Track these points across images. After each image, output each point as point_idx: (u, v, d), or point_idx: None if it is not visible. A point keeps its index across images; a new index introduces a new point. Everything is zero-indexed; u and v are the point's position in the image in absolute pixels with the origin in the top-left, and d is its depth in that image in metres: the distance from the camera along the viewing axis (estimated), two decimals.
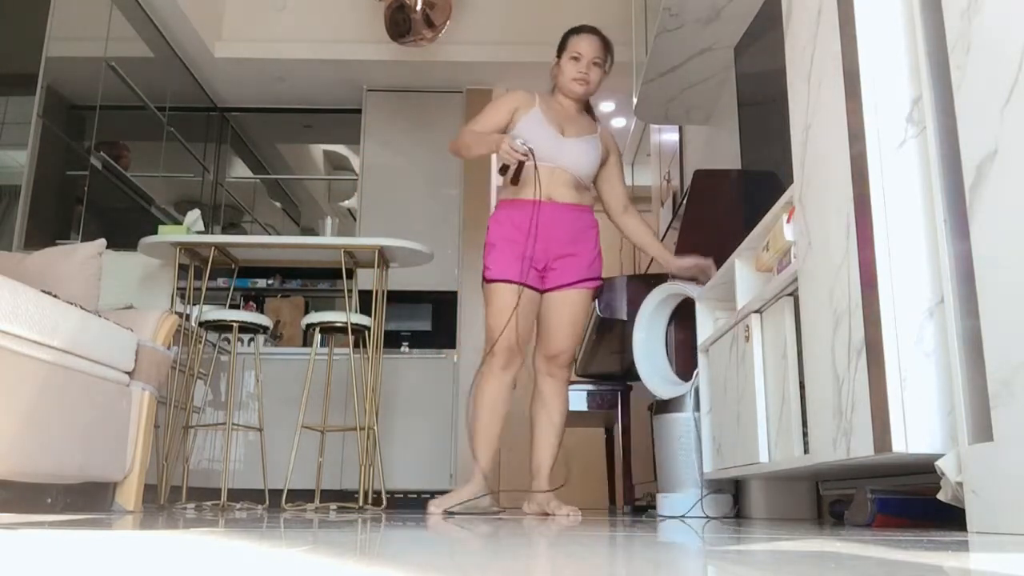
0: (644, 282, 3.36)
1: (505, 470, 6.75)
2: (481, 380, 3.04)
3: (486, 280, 3.06)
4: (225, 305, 4.46)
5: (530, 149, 2.89)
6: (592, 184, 3.18)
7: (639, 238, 3.28)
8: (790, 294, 2.14)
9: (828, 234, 1.83)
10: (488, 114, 3.15)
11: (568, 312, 3.06)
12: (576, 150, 3.07)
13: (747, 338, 2.40)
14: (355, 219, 5.97)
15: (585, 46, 3.18)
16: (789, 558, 0.92)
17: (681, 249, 3.23)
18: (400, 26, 5.07)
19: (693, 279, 3.03)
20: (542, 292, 3.08)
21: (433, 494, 4.58)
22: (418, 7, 5.00)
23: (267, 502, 3.98)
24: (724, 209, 3.25)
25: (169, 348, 2.94)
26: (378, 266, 4.05)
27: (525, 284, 3.00)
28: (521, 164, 2.92)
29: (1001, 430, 1.34)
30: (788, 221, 2.08)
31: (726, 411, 2.62)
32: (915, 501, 1.84)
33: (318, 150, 6.91)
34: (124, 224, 4.72)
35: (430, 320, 5.56)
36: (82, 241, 3.58)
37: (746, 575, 0.74)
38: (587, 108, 3.25)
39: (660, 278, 3.29)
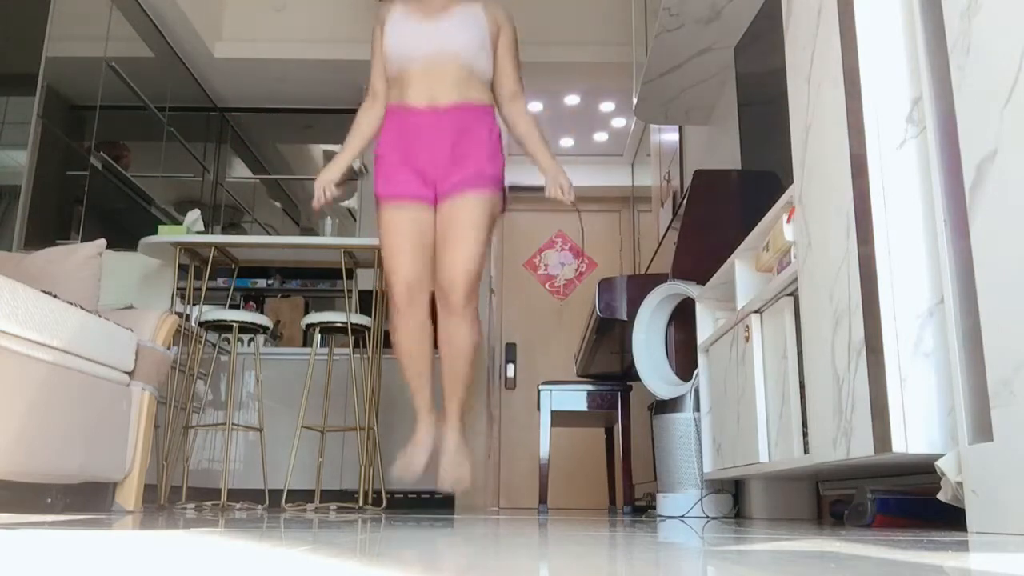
0: (644, 282, 3.35)
1: (504, 472, 6.76)
2: (392, 322, 2.77)
3: (376, 197, 2.81)
4: (225, 305, 4.46)
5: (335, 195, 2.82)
6: (487, 71, 2.83)
7: (524, 134, 2.90)
8: (790, 294, 2.14)
9: (828, 234, 1.83)
10: (373, 59, 2.91)
11: (453, 227, 2.70)
12: (449, 27, 2.75)
13: (747, 338, 2.40)
14: (355, 219, 5.97)
15: None
16: (789, 558, 0.92)
17: (681, 249, 3.23)
18: None
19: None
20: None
21: (433, 494, 4.59)
22: None
23: (267, 502, 3.98)
24: (724, 209, 3.25)
25: (169, 348, 2.94)
26: (378, 266, 4.04)
27: (418, 199, 2.74)
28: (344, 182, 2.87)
29: (1001, 430, 1.34)
30: (788, 221, 2.08)
31: (726, 411, 2.62)
32: (915, 501, 1.84)
33: (318, 150, 6.91)
34: (124, 224, 4.72)
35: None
36: (82, 241, 3.58)
37: (746, 575, 0.74)
38: None
39: (660, 278, 3.29)
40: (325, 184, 2.86)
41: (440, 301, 2.74)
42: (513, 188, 7.14)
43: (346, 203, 6.89)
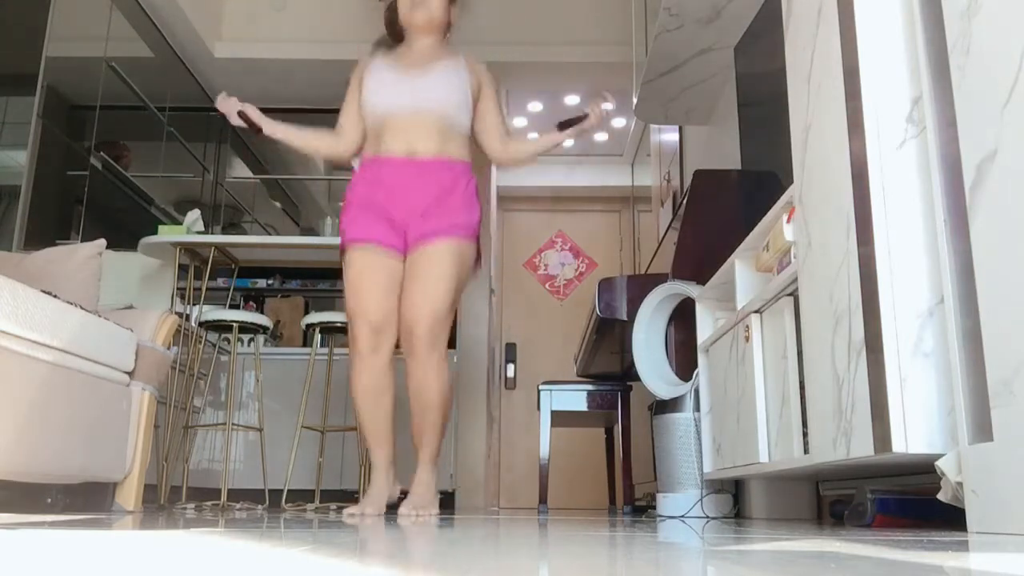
0: (644, 282, 3.35)
1: (504, 472, 6.75)
2: (351, 371, 2.66)
3: (341, 244, 2.74)
4: (225, 305, 4.46)
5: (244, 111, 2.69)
6: (466, 126, 2.80)
7: (527, 148, 2.89)
8: (790, 294, 2.14)
9: (828, 234, 1.83)
10: (346, 101, 2.88)
11: (422, 269, 2.62)
12: (433, 80, 2.72)
13: (747, 338, 2.40)
14: None
15: None
16: (789, 558, 0.92)
17: (681, 249, 3.23)
18: (400, 26, 5.06)
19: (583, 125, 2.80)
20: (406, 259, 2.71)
21: None
22: None
23: (267, 502, 3.98)
24: (724, 209, 3.25)
25: (169, 348, 2.94)
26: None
27: (387, 246, 2.67)
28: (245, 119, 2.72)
29: (1001, 430, 1.34)
30: (788, 221, 2.08)
31: (726, 411, 2.62)
32: (915, 501, 1.84)
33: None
34: (124, 224, 4.72)
35: None
36: (82, 241, 3.58)
37: (746, 575, 0.74)
38: (446, 44, 2.92)
39: (660, 278, 3.29)
40: (256, 111, 2.74)
41: (404, 345, 2.61)
42: (513, 188, 7.15)
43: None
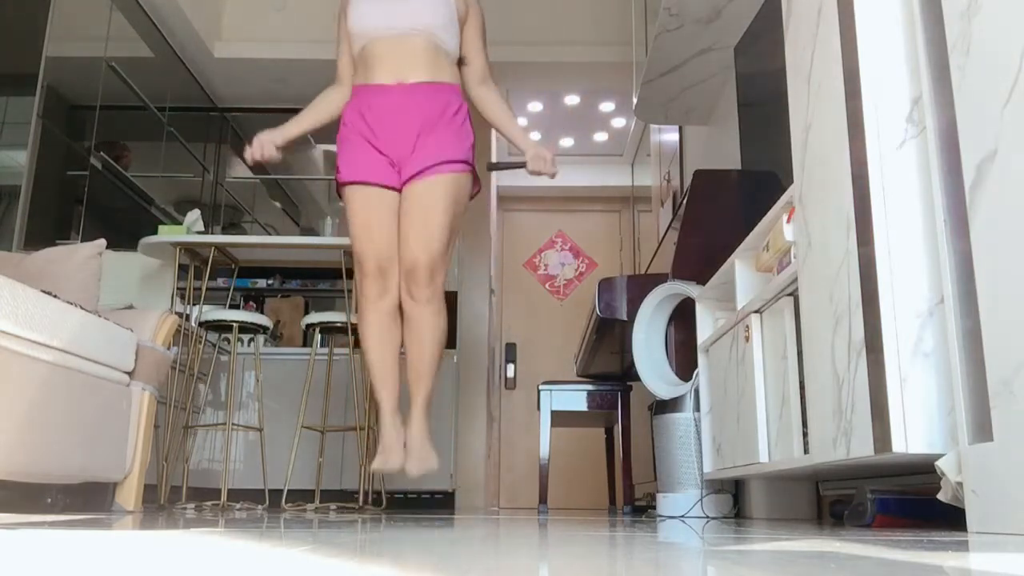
0: (644, 282, 3.35)
1: (504, 472, 6.75)
2: (360, 313, 2.68)
3: (338, 184, 2.74)
4: (225, 305, 4.46)
5: (276, 150, 2.75)
6: (454, 48, 2.79)
7: (496, 116, 2.86)
8: (790, 294, 2.14)
9: (828, 234, 1.83)
10: (339, 47, 2.87)
11: (416, 207, 2.62)
12: (416, 4, 2.69)
13: (747, 338, 2.40)
14: None
15: None
16: (789, 558, 0.92)
17: (681, 249, 3.23)
18: None
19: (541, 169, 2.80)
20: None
21: (433, 495, 4.59)
22: None
23: (267, 502, 3.98)
24: (724, 209, 3.25)
25: (169, 348, 2.94)
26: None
27: (383, 185, 2.67)
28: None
29: (1001, 430, 1.34)
30: (788, 221, 2.08)
31: (726, 411, 2.62)
32: (915, 501, 1.84)
33: (318, 150, 6.91)
34: (124, 224, 4.72)
35: None
36: (82, 241, 3.58)
37: (746, 575, 0.74)
38: None
39: (660, 278, 3.29)
40: (265, 141, 2.78)
41: (403, 284, 2.64)
42: (513, 188, 7.15)
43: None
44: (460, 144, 2.69)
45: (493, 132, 6.21)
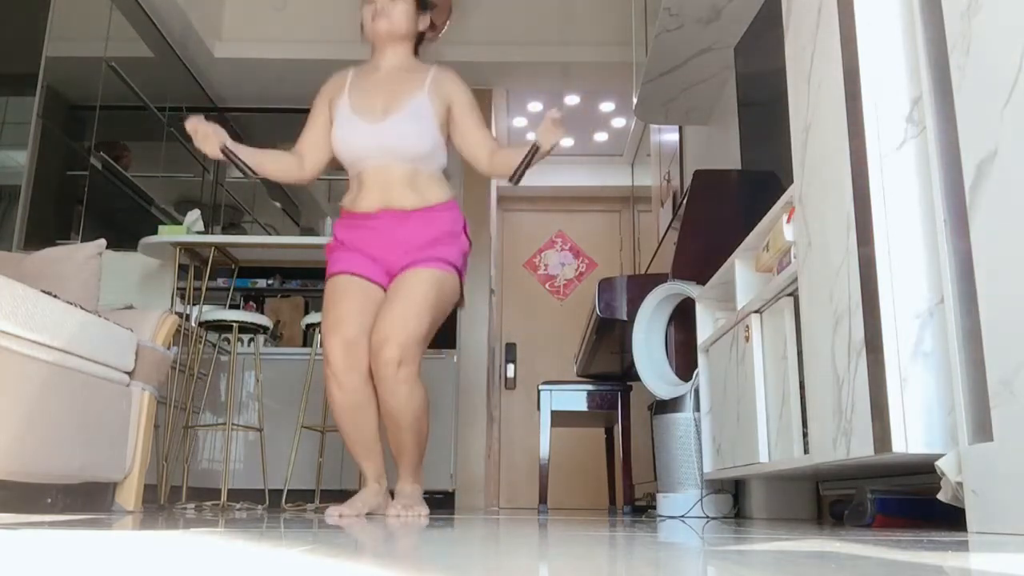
0: (644, 282, 3.35)
1: (504, 472, 6.75)
2: (327, 395, 2.57)
3: (326, 277, 2.68)
4: (225, 305, 4.46)
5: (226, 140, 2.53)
6: (441, 164, 2.72)
7: (511, 159, 2.61)
8: (790, 294, 2.14)
9: (828, 234, 1.83)
10: (309, 122, 2.77)
11: (399, 293, 2.54)
12: (396, 132, 2.61)
13: (747, 338, 2.40)
14: None
15: None
16: (789, 558, 0.92)
17: (681, 249, 3.23)
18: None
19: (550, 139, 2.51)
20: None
21: (433, 495, 4.59)
22: None
23: (267, 502, 3.98)
24: (724, 209, 3.25)
25: (169, 348, 2.94)
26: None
27: (369, 279, 2.61)
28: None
29: (1001, 430, 1.34)
30: (788, 221, 2.08)
31: (726, 411, 2.62)
32: (915, 501, 1.84)
33: None
34: (124, 224, 4.72)
35: None
36: (82, 241, 3.58)
37: (746, 575, 0.74)
38: (416, 53, 2.81)
39: (660, 278, 3.29)
40: (215, 135, 2.55)
41: (372, 366, 2.49)
42: (513, 188, 7.14)
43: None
44: (450, 249, 2.63)
45: (493, 127, 6.20)
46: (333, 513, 2.50)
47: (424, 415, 2.57)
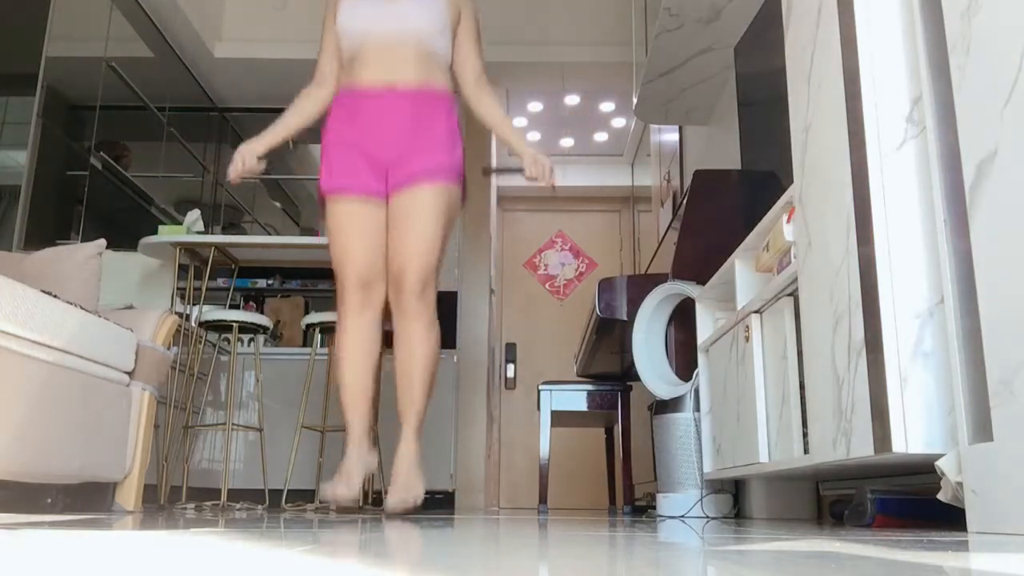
0: (644, 282, 3.35)
1: (504, 472, 6.75)
2: (338, 327, 2.54)
3: (320, 192, 2.63)
4: (225, 305, 4.46)
5: (263, 161, 2.64)
6: (447, 53, 2.71)
7: (491, 118, 2.71)
8: (790, 294, 2.14)
9: (828, 234, 1.83)
10: (323, 43, 2.77)
11: (407, 217, 2.49)
12: (408, 7, 2.60)
13: (747, 338, 2.40)
14: None
15: None
16: (789, 558, 0.92)
17: (681, 249, 3.22)
18: None
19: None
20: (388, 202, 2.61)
21: (433, 495, 4.59)
22: None
23: (267, 502, 3.98)
24: (724, 209, 3.25)
25: (169, 348, 2.94)
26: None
27: (368, 194, 2.56)
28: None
29: (1001, 430, 1.34)
30: (788, 221, 2.08)
31: (726, 411, 2.62)
32: (915, 501, 1.84)
33: (317, 150, 6.91)
34: (124, 224, 4.72)
35: None
36: (82, 241, 3.58)
37: (746, 575, 0.74)
38: None
39: (660, 278, 3.29)
40: (246, 153, 2.67)
41: (392, 298, 2.50)
42: (513, 188, 7.15)
43: None
44: (451, 153, 2.59)
45: (492, 135, 6.21)
46: (331, 490, 2.41)
47: (436, 358, 2.57)
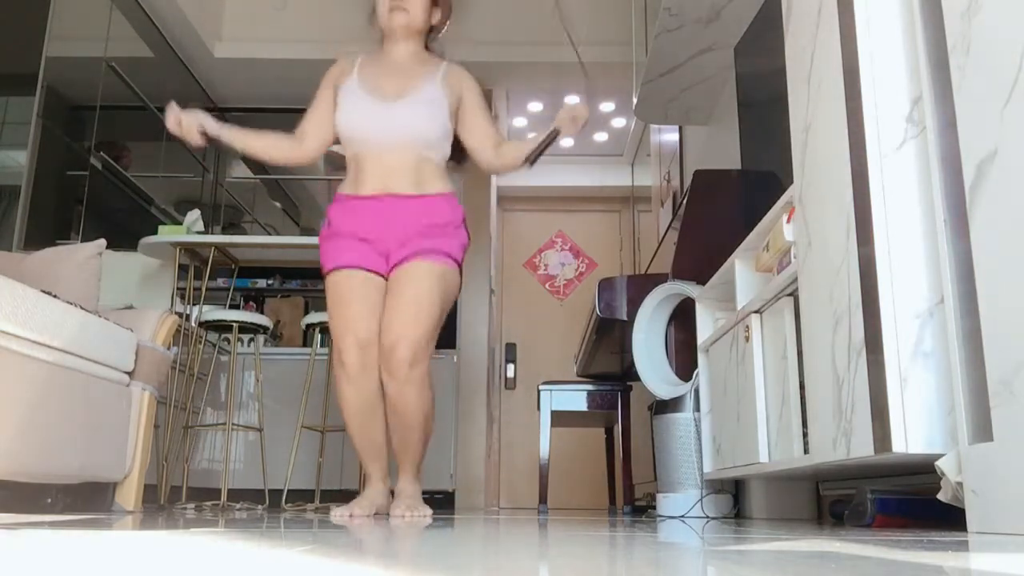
0: (644, 282, 3.35)
1: (504, 472, 6.75)
2: (338, 393, 2.57)
3: (323, 272, 2.66)
4: (225, 305, 4.46)
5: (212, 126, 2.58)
6: (445, 156, 2.70)
7: (518, 151, 2.65)
8: (790, 294, 2.14)
9: (828, 234, 1.83)
10: (313, 104, 2.76)
11: (403, 289, 2.52)
12: (410, 109, 2.60)
13: (747, 338, 2.40)
14: None
15: None
16: (789, 558, 0.92)
17: (681, 249, 3.22)
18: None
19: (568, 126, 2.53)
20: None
21: (433, 495, 4.59)
22: None
23: (267, 502, 3.98)
24: (724, 209, 3.25)
25: (169, 348, 2.94)
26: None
27: (369, 269, 2.59)
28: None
29: (1001, 430, 1.34)
30: (788, 221, 2.08)
31: (726, 411, 2.62)
32: (915, 501, 1.84)
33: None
34: (124, 224, 4.72)
35: None
36: (82, 241, 3.58)
37: (746, 575, 0.74)
38: (428, 48, 2.80)
39: (660, 278, 3.29)
40: (194, 123, 2.60)
41: (384, 366, 2.50)
42: (513, 188, 7.15)
43: None
44: (452, 243, 2.61)
45: None
46: (343, 514, 2.49)
47: (431, 415, 2.59)
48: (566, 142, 7.01)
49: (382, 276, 2.61)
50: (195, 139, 2.62)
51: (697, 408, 2.90)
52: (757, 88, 3.03)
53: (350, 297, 2.55)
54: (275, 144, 2.76)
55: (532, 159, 2.60)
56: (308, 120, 2.77)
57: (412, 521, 2.23)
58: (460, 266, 2.68)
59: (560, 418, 4.30)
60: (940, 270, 1.56)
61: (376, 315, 2.56)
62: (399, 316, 2.49)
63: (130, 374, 2.76)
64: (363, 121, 2.62)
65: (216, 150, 6.03)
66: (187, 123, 2.60)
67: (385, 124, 2.60)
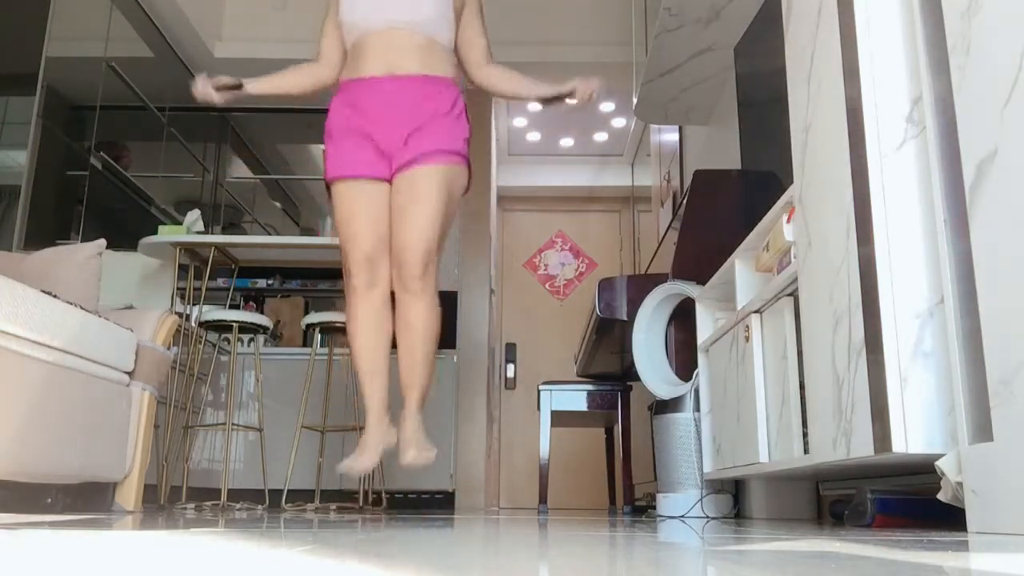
0: (644, 282, 3.35)
1: (504, 472, 6.75)
2: (348, 308, 2.57)
3: (326, 181, 2.64)
4: (225, 305, 4.46)
5: (234, 85, 2.70)
6: (450, 40, 2.68)
7: (509, 86, 2.70)
8: (790, 294, 2.14)
9: (828, 234, 1.83)
10: (323, 29, 2.80)
11: (408, 197, 2.51)
12: None
13: (747, 338, 2.40)
14: None
15: None
16: (789, 558, 0.92)
17: (681, 249, 3.22)
18: None
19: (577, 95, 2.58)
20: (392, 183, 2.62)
21: (433, 495, 4.59)
22: None
23: (267, 502, 3.98)
24: (724, 209, 3.25)
25: (169, 348, 2.94)
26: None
27: (373, 177, 2.57)
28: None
29: (1001, 430, 1.34)
30: (788, 221, 2.08)
31: (726, 411, 2.62)
32: (915, 501, 1.84)
33: (318, 150, 6.91)
34: (124, 224, 4.72)
35: None
36: (82, 241, 3.58)
37: (746, 575, 0.74)
38: None
39: (660, 278, 3.29)
40: (225, 82, 2.74)
41: (395, 277, 2.53)
42: (513, 188, 7.15)
43: None
44: (455, 136, 2.58)
45: (493, 126, 6.21)
46: (351, 463, 2.46)
47: (437, 336, 2.60)
48: (566, 141, 7.01)
49: (386, 182, 2.59)
50: (215, 97, 2.78)
51: (697, 408, 2.90)
52: (757, 88, 3.03)
53: (355, 210, 2.56)
54: (300, 76, 2.83)
55: (546, 103, 2.66)
56: (324, 42, 2.83)
57: (423, 459, 2.30)
58: (467, 159, 2.65)
59: (560, 418, 4.30)
60: (940, 270, 1.56)
61: (381, 224, 2.57)
62: (406, 228, 2.50)
63: (130, 374, 2.76)
64: (365, 7, 2.63)
65: (216, 149, 6.03)
66: (202, 91, 2.78)
67: (387, 7, 2.60)
